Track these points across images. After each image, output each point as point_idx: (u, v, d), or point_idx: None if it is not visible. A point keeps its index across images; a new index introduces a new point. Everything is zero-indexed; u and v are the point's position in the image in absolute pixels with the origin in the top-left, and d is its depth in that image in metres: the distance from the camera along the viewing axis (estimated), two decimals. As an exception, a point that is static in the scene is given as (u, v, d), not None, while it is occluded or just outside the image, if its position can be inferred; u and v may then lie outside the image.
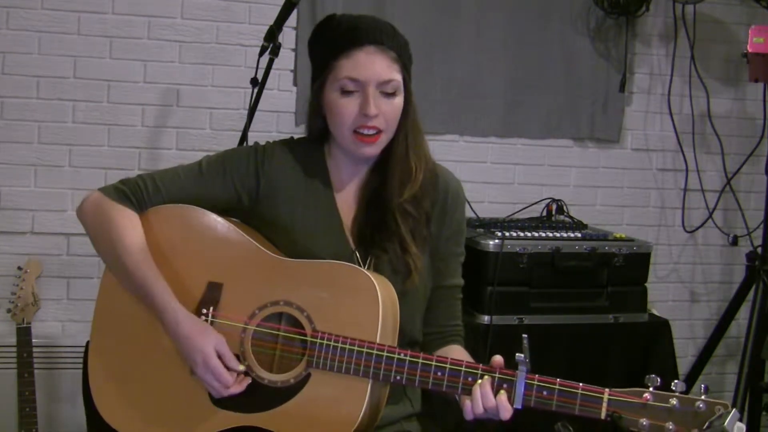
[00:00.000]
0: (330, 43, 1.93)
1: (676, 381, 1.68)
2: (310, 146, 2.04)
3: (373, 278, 1.86)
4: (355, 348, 1.82)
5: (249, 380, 1.87)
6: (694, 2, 3.63)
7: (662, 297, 3.87)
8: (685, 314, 3.94)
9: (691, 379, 3.62)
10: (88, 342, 2.04)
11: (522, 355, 1.74)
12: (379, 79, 1.89)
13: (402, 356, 1.80)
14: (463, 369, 1.79)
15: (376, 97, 1.89)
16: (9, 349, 3.08)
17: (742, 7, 3.86)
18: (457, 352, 2.04)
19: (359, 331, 1.83)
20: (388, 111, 1.91)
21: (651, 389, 1.69)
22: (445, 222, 2.04)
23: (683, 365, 3.67)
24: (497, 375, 1.77)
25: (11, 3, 3.17)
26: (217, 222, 1.97)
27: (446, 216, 2.04)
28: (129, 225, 1.95)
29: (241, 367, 1.87)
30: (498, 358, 1.79)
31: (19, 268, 3.03)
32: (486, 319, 3.05)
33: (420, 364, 1.80)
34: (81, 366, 3.02)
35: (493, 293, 3.05)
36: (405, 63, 1.95)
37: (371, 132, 1.91)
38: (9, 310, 2.97)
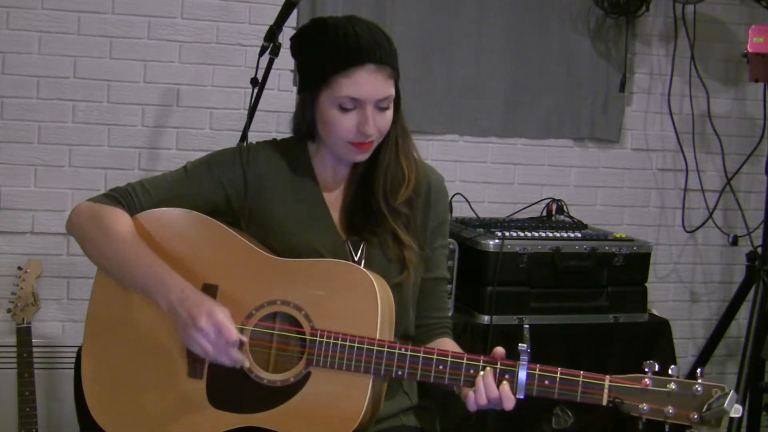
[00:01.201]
0: (328, 55, 1.92)
1: (673, 366, 1.74)
2: (294, 145, 2.07)
3: (369, 274, 1.86)
4: (356, 345, 1.82)
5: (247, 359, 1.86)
6: (694, 2, 3.63)
7: (662, 297, 3.87)
8: (685, 314, 3.94)
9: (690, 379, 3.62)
10: (79, 348, 2.03)
11: (524, 345, 1.77)
12: (377, 97, 1.91)
13: (403, 351, 1.81)
14: (465, 361, 1.80)
15: (373, 116, 1.92)
16: (9, 349, 3.08)
17: (742, 7, 3.86)
18: (448, 344, 2.05)
19: (358, 328, 1.83)
20: (381, 123, 1.95)
21: (650, 374, 1.73)
22: (430, 214, 2.07)
23: (683, 365, 3.67)
24: (499, 366, 1.78)
25: (11, 3, 3.17)
26: (210, 223, 1.97)
27: (430, 208, 2.07)
28: (120, 220, 1.95)
29: (243, 337, 1.84)
30: (499, 350, 1.81)
31: (19, 268, 3.03)
32: (486, 319, 3.05)
33: (421, 358, 1.81)
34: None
35: (493, 293, 3.05)
36: (397, 72, 1.96)
37: (365, 140, 1.94)
38: (9, 310, 2.97)
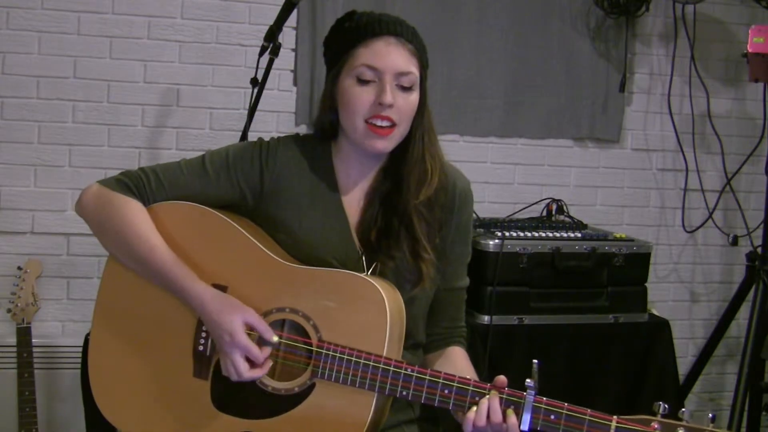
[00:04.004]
0: (349, 33, 1.90)
1: (683, 409, 1.67)
2: (317, 143, 2.00)
3: (381, 289, 1.82)
4: (362, 361, 1.79)
5: (271, 363, 1.85)
6: (694, 2, 3.63)
7: (662, 297, 3.87)
8: (685, 314, 3.94)
9: (691, 379, 3.62)
10: (87, 335, 2.01)
11: (531, 381, 1.73)
12: (397, 69, 1.87)
13: (409, 372, 1.78)
14: (471, 388, 1.77)
15: (393, 89, 1.86)
16: (9, 349, 3.08)
17: (742, 7, 3.86)
18: (459, 355, 2.03)
19: (366, 343, 1.80)
20: (403, 105, 1.88)
21: (659, 417, 1.67)
22: (452, 223, 2.00)
23: (683, 365, 3.67)
24: (505, 396, 1.75)
25: (11, 3, 3.17)
26: (223, 222, 1.93)
27: (453, 216, 2.00)
28: (137, 213, 1.92)
29: (275, 339, 1.83)
30: (502, 378, 1.77)
31: (19, 268, 3.03)
32: (486, 319, 3.05)
33: (427, 381, 1.78)
34: (81, 366, 3.02)
35: (493, 293, 3.05)
36: (422, 61, 1.92)
37: (385, 123, 1.87)
38: (9, 310, 2.97)
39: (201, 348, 1.90)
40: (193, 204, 1.96)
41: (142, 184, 1.95)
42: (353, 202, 1.99)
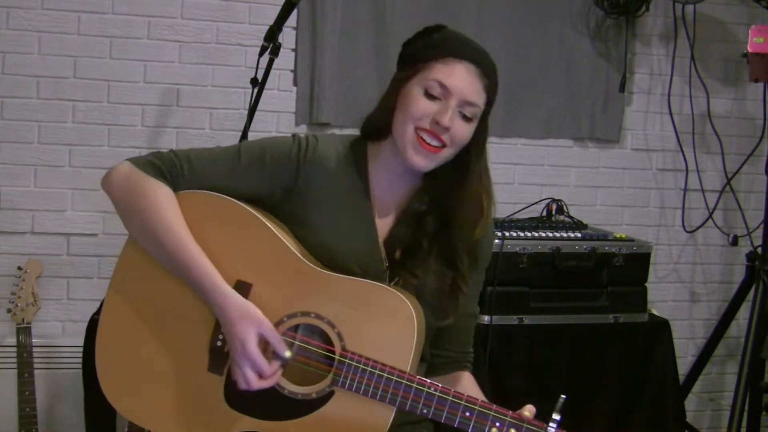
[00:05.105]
0: (433, 44, 1.91)
1: None
2: (355, 147, 1.98)
3: (410, 305, 1.80)
4: (385, 375, 1.77)
5: (280, 372, 1.82)
6: (694, 2, 3.63)
7: (662, 297, 3.87)
8: (685, 314, 3.94)
9: (691, 379, 3.62)
10: (93, 316, 1.95)
11: (557, 417, 1.72)
12: (465, 97, 1.86)
13: (432, 390, 1.77)
14: (492, 413, 1.75)
15: (454, 114, 1.86)
16: (9, 349, 3.08)
17: (742, 7, 3.86)
18: (467, 379, 2.03)
19: (390, 357, 1.78)
20: (458, 132, 1.87)
21: None
22: (475, 249, 2.00)
23: (683, 365, 3.67)
24: (525, 425, 1.74)
25: (11, 3, 3.17)
26: (252, 218, 1.88)
27: (476, 244, 1.99)
28: (167, 200, 1.87)
29: (288, 354, 1.81)
30: (529, 409, 1.76)
31: (19, 268, 3.03)
32: (486, 319, 3.05)
33: (449, 402, 1.76)
34: (81, 366, 3.01)
35: (493, 293, 3.05)
36: (491, 98, 1.92)
37: (434, 143, 1.86)
38: (9, 310, 2.97)
39: (219, 343, 1.86)
40: (222, 195, 1.90)
41: (174, 170, 1.90)
42: (384, 212, 1.97)
